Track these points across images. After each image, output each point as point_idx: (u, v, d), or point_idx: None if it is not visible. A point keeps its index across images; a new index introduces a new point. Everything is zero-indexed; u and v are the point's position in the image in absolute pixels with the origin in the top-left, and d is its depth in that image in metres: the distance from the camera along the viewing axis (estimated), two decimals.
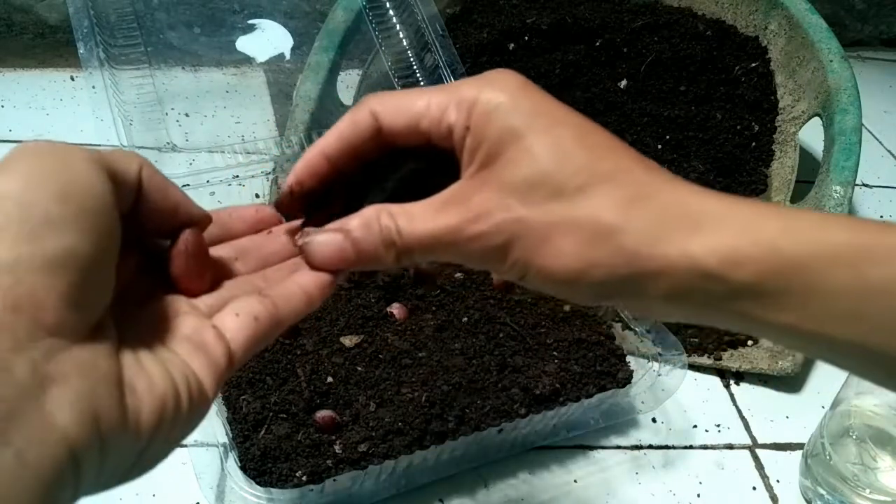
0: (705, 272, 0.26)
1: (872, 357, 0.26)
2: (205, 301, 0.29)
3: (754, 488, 0.55)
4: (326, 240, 0.29)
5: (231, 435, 0.47)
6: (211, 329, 0.27)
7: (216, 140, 0.73)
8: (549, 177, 0.27)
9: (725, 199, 0.28)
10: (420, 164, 0.31)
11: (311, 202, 0.31)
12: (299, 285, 0.30)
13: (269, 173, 0.62)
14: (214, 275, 0.30)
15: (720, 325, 0.29)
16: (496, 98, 0.28)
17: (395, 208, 0.29)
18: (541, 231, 0.27)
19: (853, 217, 0.27)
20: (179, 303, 0.28)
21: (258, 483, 0.44)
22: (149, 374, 0.24)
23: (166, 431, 0.24)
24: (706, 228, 0.27)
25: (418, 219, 0.29)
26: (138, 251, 0.28)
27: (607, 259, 0.27)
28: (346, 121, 0.30)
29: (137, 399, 0.23)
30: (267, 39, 0.72)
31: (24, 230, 0.21)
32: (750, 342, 0.63)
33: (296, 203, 0.31)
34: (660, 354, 0.54)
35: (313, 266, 0.30)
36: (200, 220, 0.29)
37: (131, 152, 0.26)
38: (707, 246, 0.26)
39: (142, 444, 0.23)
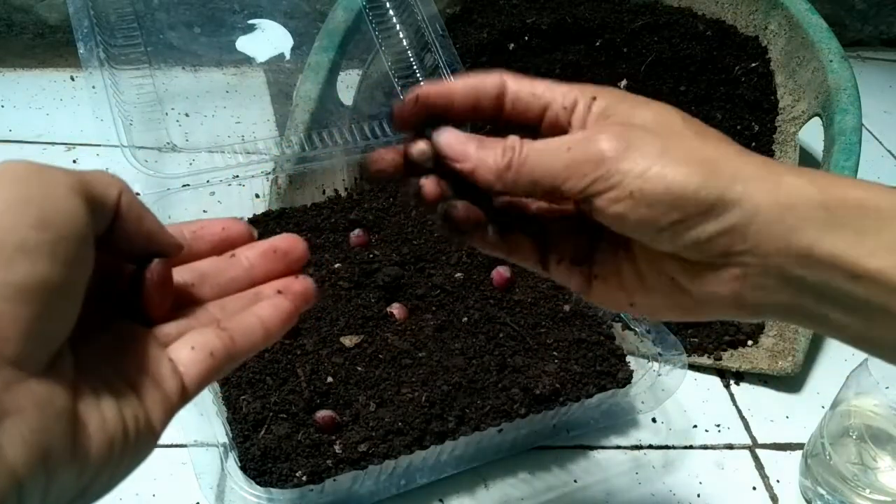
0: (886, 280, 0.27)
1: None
2: (162, 329, 0.28)
3: (754, 488, 0.55)
4: (457, 132, 0.32)
5: (231, 435, 0.47)
6: (167, 363, 0.27)
7: (216, 140, 0.73)
8: (656, 127, 0.30)
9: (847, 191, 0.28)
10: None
11: (423, 121, 0.32)
12: (259, 318, 0.30)
13: (269, 173, 0.62)
14: (173, 301, 0.29)
15: (814, 324, 0.30)
16: (611, 90, 0.32)
17: (528, 140, 0.31)
18: (658, 145, 0.29)
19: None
20: (136, 331, 0.28)
21: (258, 483, 0.44)
22: (102, 411, 0.24)
23: (112, 467, 0.24)
24: (846, 223, 0.28)
25: (545, 154, 0.30)
26: (102, 274, 0.28)
27: (729, 195, 0.29)
28: (477, 76, 0.32)
29: (89, 436, 0.23)
30: (267, 39, 0.72)
31: None
32: (750, 342, 0.63)
33: (413, 113, 0.32)
34: (660, 354, 0.54)
35: (438, 150, 0.31)
36: (171, 251, 0.29)
37: (112, 176, 0.26)
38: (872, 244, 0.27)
39: (87, 478, 0.23)
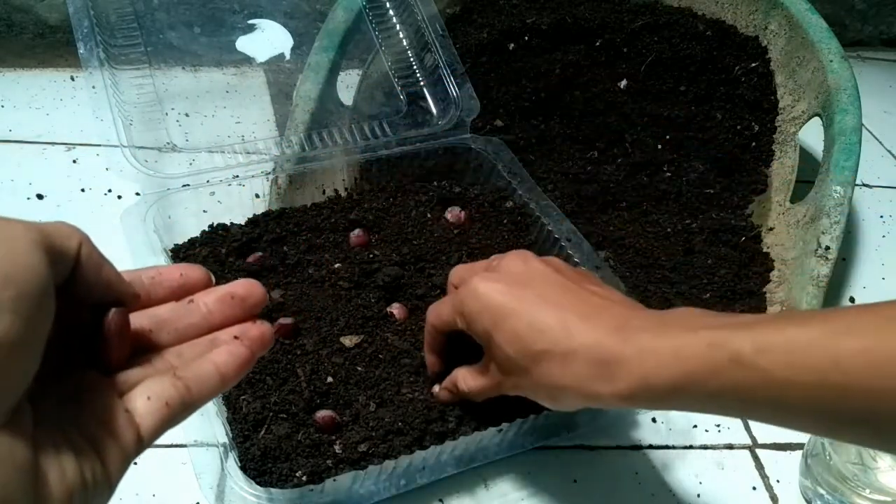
0: (631, 401, 0.39)
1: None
2: (119, 377, 0.29)
3: (754, 488, 0.55)
4: (444, 394, 0.50)
5: (231, 435, 0.47)
6: (124, 413, 0.27)
7: (216, 140, 0.73)
8: (513, 361, 0.42)
9: (635, 342, 0.38)
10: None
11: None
12: (215, 364, 0.30)
13: (269, 173, 0.62)
14: (131, 347, 0.30)
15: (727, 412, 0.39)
16: (473, 306, 0.44)
17: (463, 373, 0.48)
18: (531, 391, 0.43)
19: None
20: (94, 380, 0.28)
21: (258, 483, 0.44)
22: (61, 464, 0.24)
23: None
24: (611, 376, 0.38)
25: (475, 381, 0.47)
26: (59, 322, 0.28)
27: (571, 402, 0.41)
28: (427, 331, 0.50)
29: (48, 489, 0.23)
30: (267, 39, 0.72)
31: None
32: None
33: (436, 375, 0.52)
34: None
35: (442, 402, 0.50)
36: (129, 301, 0.29)
37: (71, 227, 0.26)
38: (611, 391, 0.39)
39: None
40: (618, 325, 0.39)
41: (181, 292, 0.32)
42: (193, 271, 0.32)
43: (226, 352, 0.31)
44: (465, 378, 0.47)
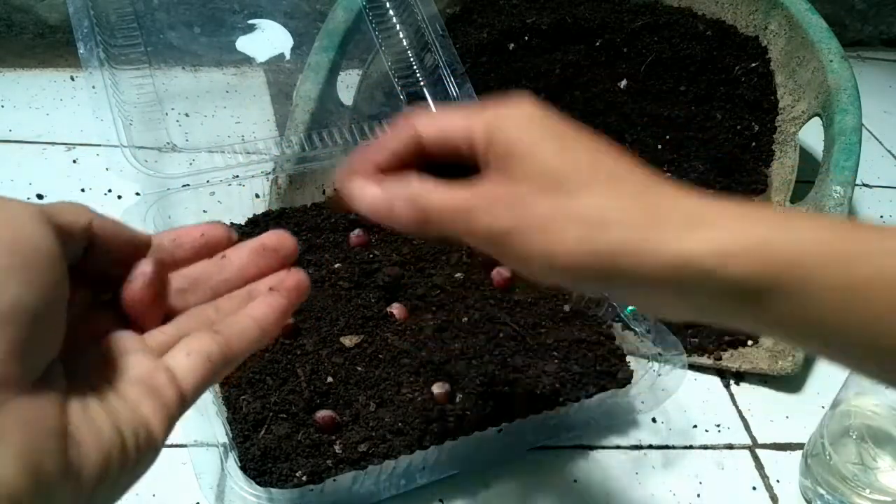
0: (697, 267, 0.28)
1: (863, 351, 0.27)
2: (156, 338, 0.28)
3: (754, 488, 0.55)
4: (366, 188, 0.33)
5: (231, 435, 0.47)
6: (163, 372, 0.27)
7: (216, 140, 0.73)
8: (555, 172, 0.30)
9: (720, 200, 0.29)
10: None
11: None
12: (253, 318, 0.30)
13: (269, 173, 0.62)
14: (165, 308, 0.29)
15: (715, 320, 0.31)
16: (512, 113, 0.32)
17: (430, 180, 0.33)
18: (544, 219, 0.30)
19: (842, 218, 0.29)
20: (130, 340, 0.28)
21: (258, 483, 0.44)
22: (96, 425, 0.24)
23: (113, 479, 0.24)
24: (700, 226, 0.28)
25: (443, 191, 0.32)
26: (90, 287, 0.28)
27: (606, 249, 0.29)
28: (393, 136, 0.34)
29: (83, 452, 0.23)
30: (267, 39, 0.72)
31: None
32: (750, 342, 0.63)
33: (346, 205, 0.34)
34: (660, 354, 0.54)
35: (350, 205, 0.33)
36: (146, 245, 0.29)
37: (80, 205, 0.26)
38: (700, 242, 0.28)
39: (86, 493, 0.23)
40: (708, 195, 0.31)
41: (205, 251, 0.32)
42: (214, 229, 0.32)
43: (264, 304, 0.30)
44: (427, 187, 0.32)
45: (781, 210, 0.29)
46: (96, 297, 0.28)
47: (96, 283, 0.28)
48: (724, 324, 0.31)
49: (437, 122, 0.33)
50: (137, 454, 0.25)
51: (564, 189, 0.30)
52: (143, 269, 0.28)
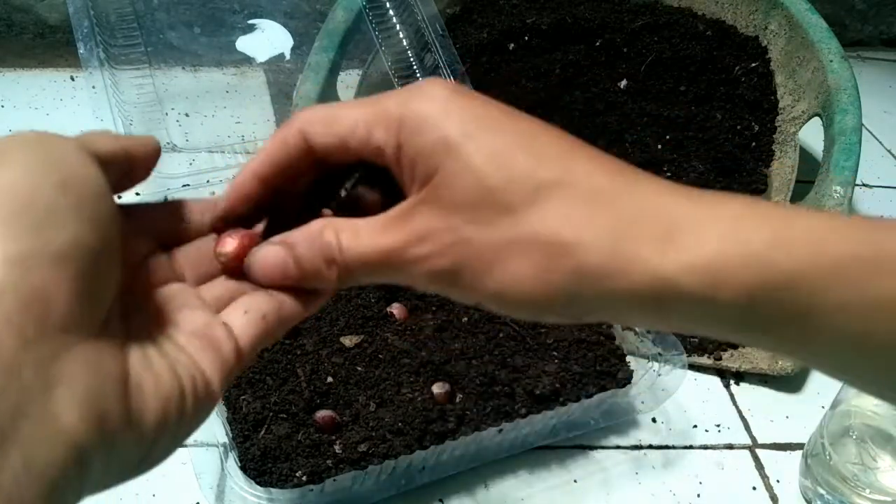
0: (682, 292, 0.23)
1: (882, 375, 0.24)
2: (212, 292, 0.28)
3: (754, 488, 0.55)
4: (268, 253, 0.27)
5: (231, 435, 0.47)
6: (221, 326, 0.26)
7: (216, 140, 0.73)
8: (493, 191, 0.24)
9: (703, 199, 0.25)
10: (370, 172, 0.28)
11: (250, 222, 0.29)
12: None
13: None
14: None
15: (709, 336, 0.27)
16: (424, 109, 0.25)
17: (342, 223, 0.27)
18: (490, 253, 0.24)
19: (853, 218, 0.24)
20: (187, 294, 0.28)
21: (258, 483, 0.44)
22: (156, 373, 0.23)
23: (172, 429, 0.24)
24: (680, 239, 0.23)
25: (362, 236, 0.26)
26: (144, 236, 0.28)
27: (567, 279, 0.24)
28: (275, 140, 0.28)
29: (143, 399, 0.23)
30: (267, 39, 0.72)
31: (28, 223, 0.21)
32: None
33: (230, 227, 0.28)
34: (660, 354, 0.54)
35: (254, 280, 0.28)
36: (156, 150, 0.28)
37: (107, 133, 0.26)
38: (682, 262, 0.23)
39: (147, 442, 0.23)
40: (680, 186, 0.26)
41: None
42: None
43: None
44: (343, 230, 0.26)
45: (778, 208, 0.25)
46: (150, 247, 0.28)
47: (147, 232, 0.28)
48: (720, 339, 0.27)
49: (332, 122, 0.27)
50: (195, 404, 0.24)
51: (506, 209, 0.24)
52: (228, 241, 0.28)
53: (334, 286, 0.27)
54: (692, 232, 0.23)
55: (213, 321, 0.27)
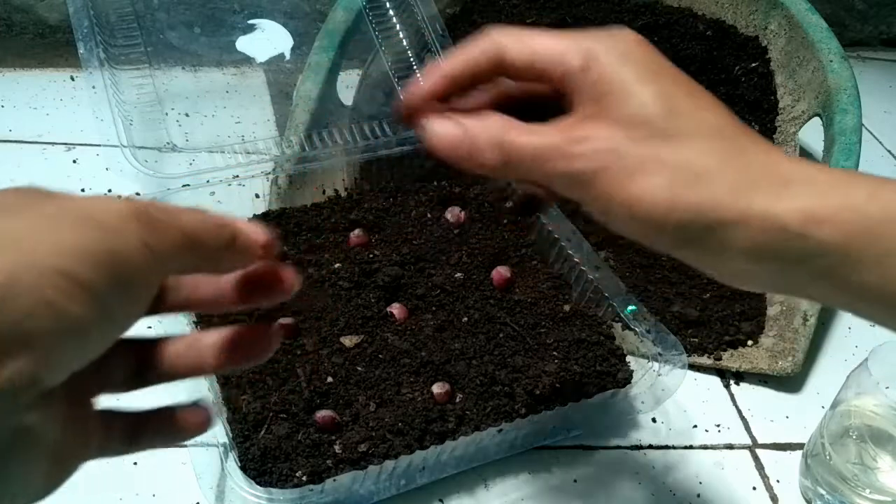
0: (787, 229, 0.27)
1: None
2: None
3: (754, 488, 0.55)
4: (446, 126, 0.31)
5: (231, 435, 0.47)
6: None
7: (216, 140, 0.73)
8: (654, 117, 0.29)
9: (812, 164, 0.29)
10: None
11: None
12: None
13: (269, 173, 0.62)
14: None
15: (798, 290, 0.30)
16: (614, 46, 0.30)
17: (513, 121, 0.31)
18: (634, 164, 0.29)
19: None
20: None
21: (258, 483, 0.44)
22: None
23: None
24: (792, 189, 0.28)
25: (528, 130, 0.30)
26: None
27: (695, 201, 0.28)
28: (473, 47, 0.32)
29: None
30: (267, 39, 0.72)
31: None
32: (750, 342, 0.63)
33: (414, 112, 0.32)
34: (660, 354, 0.54)
35: (430, 151, 0.31)
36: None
37: (175, 209, 0.26)
38: (791, 205, 0.28)
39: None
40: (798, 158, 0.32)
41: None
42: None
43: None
44: (524, 131, 0.31)
45: (876, 177, 0.29)
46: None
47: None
48: (804, 294, 0.30)
49: (527, 41, 0.31)
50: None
51: (661, 135, 0.29)
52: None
53: (494, 174, 0.31)
54: (802, 186, 0.28)
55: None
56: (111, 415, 0.28)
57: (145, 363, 0.29)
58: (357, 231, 0.60)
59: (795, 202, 0.28)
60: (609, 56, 0.30)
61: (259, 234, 0.27)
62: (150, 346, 0.29)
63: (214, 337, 0.29)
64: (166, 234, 0.24)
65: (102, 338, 0.23)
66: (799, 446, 0.57)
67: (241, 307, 0.30)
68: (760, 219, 0.28)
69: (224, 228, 0.26)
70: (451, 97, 0.32)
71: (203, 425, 0.30)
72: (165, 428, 0.29)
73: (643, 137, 0.29)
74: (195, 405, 0.30)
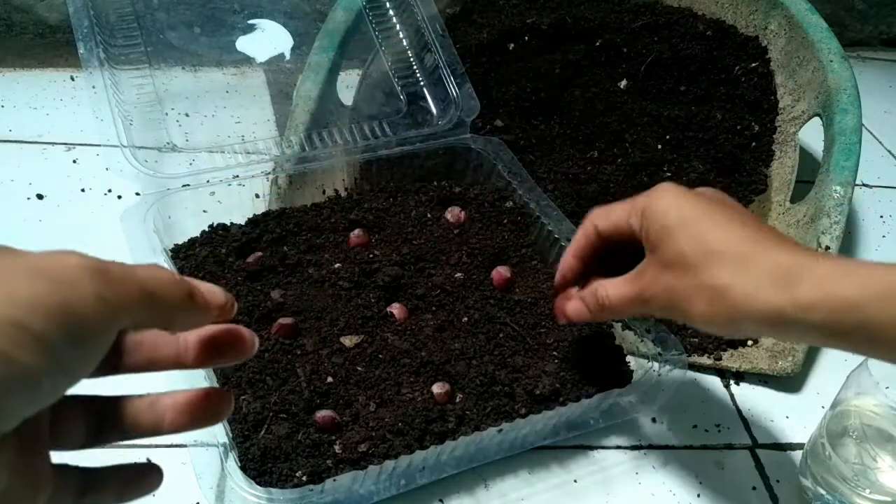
0: (785, 316, 0.38)
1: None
2: None
3: (754, 488, 0.55)
4: (574, 304, 0.49)
5: (231, 435, 0.47)
6: None
7: (216, 140, 0.73)
8: (685, 256, 0.42)
9: (809, 257, 0.39)
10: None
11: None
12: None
13: (269, 173, 0.62)
14: None
15: (814, 345, 0.46)
16: (659, 205, 0.44)
17: (606, 282, 0.47)
18: (684, 294, 0.42)
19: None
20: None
21: (258, 483, 0.44)
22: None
23: None
24: (787, 285, 0.38)
25: (618, 289, 0.46)
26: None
27: (724, 310, 0.40)
28: (580, 232, 0.50)
29: None
30: (267, 39, 0.72)
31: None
32: (750, 342, 0.63)
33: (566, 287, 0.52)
34: (660, 354, 0.54)
35: (568, 320, 0.50)
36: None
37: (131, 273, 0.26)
38: (787, 298, 0.38)
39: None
40: (806, 249, 0.41)
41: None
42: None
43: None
44: (607, 287, 0.47)
45: (855, 263, 0.39)
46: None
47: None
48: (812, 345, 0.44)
49: (609, 215, 0.47)
50: None
51: (695, 268, 0.41)
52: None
53: (600, 319, 0.50)
54: (795, 281, 0.38)
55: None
56: (66, 469, 0.28)
57: (106, 422, 0.30)
58: (357, 231, 0.60)
59: (790, 295, 0.38)
60: (655, 212, 0.44)
61: (216, 294, 0.29)
62: (111, 405, 0.30)
63: (172, 399, 0.31)
64: (122, 287, 0.25)
65: (54, 387, 0.24)
66: (799, 446, 0.57)
67: (201, 367, 0.32)
68: (764, 310, 0.39)
69: (181, 285, 0.28)
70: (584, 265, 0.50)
71: (153, 485, 0.32)
72: (115, 486, 0.31)
73: (684, 273, 0.42)
74: (147, 465, 0.32)
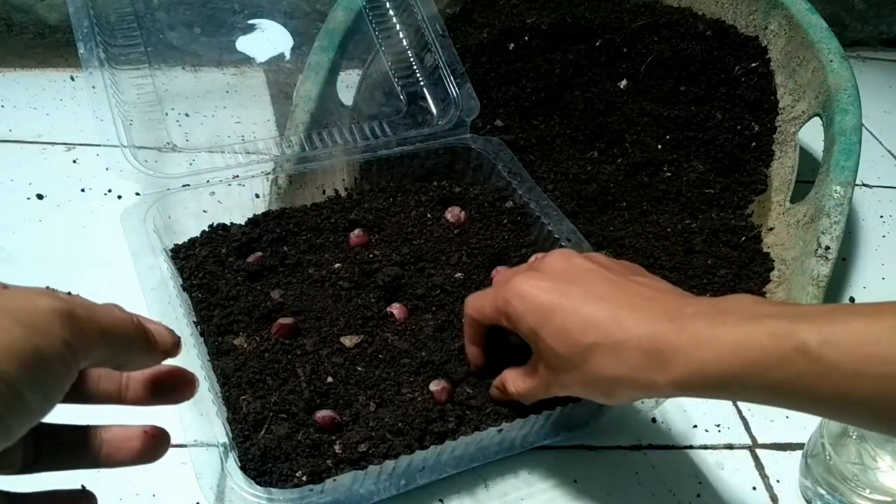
0: (677, 392, 0.40)
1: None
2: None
3: (754, 488, 0.55)
4: (494, 393, 0.50)
5: (231, 435, 0.47)
6: None
7: (216, 140, 0.73)
8: (562, 357, 0.42)
9: (675, 323, 0.39)
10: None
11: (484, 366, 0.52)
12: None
13: (269, 173, 0.62)
14: None
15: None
16: (517, 307, 0.44)
17: (511, 376, 0.48)
18: (582, 386, 0.43)
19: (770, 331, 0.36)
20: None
21: (258, 483, 0.44)
22: None
23: None
24: (665, 366, 0.38)
25: (524, 383, 0.47)
26: None
27: (625, 393, 0.41)
28: (466, 322, 0.50)
29: None
30: (267, 39, 0.72)
31: None
32: None
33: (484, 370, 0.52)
34: None
35: (494, 401, 0.50)
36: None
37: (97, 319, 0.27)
38: (665, 378, 0.39)
39: None
40: (670, 314, 0.39)
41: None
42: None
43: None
44: (514, 381, 0.48)
45: (709, 321, 0.38)
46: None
47: None
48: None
49: (481, 311, 0.48)
50: None
51: (571, 364, 0.42)
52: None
53: (499, 401, 0.50)
54: (671, 361, 0.38)
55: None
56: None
57: (45, 448, 0.31)
58: (357, 231, 0.60)
59: (667, 376, 0.39)
60: (518, 317, 0.44)
61: (165, 335, 0.31)
62: (49, 432, 0.31)
63: (111, 432, 0.33)
64: (85, 331, 0.26)
65: (19, 427, 0.24)
66: (799, 446, 0.57)
67: (139, 405, 0.33)
68: (655, 391, 0.40)
69: (138, 327, 0.29)
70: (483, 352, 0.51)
71: None
72: None
73: (570, 370, 0.42)
74: (80, 492, 0.33)
